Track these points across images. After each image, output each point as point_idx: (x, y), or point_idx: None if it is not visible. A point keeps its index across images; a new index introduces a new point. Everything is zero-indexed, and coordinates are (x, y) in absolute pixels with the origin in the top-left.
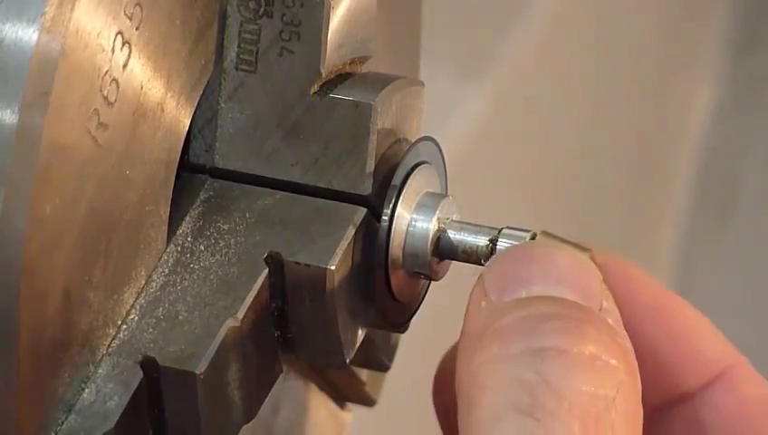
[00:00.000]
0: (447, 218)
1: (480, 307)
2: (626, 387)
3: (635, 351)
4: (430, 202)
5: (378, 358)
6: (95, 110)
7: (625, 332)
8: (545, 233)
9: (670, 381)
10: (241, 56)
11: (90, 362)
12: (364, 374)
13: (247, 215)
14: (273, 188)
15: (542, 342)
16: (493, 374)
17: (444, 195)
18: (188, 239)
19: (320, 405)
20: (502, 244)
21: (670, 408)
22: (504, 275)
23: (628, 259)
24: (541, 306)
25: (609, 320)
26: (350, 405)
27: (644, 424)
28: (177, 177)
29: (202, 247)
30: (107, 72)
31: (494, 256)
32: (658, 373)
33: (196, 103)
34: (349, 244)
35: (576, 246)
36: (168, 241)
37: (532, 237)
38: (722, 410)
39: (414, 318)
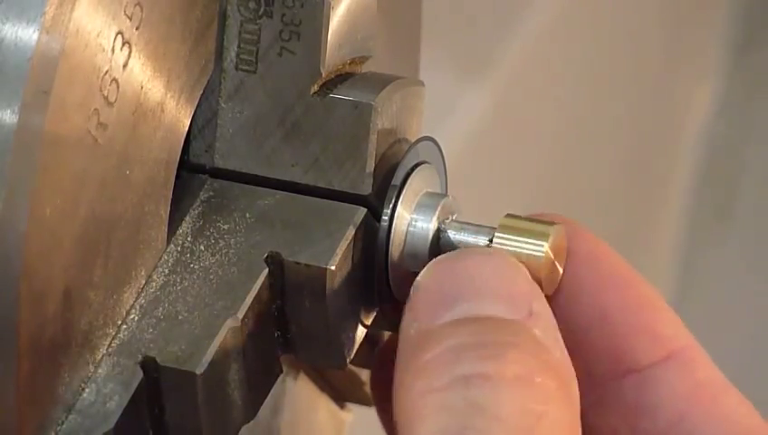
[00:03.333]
0: (447, 218)
1: (410, 333)
2: (557, 400)
3: (586, 319)
4: (430, 202)
5: None
6: (95, 110)
7: (557, 335)
8: (509, 215)
9: (621, 352)
10: (241, 56)
11: (90, 362)
12: (364, 374)
13: (247, 215)
14: (273, 188)
15: (467, 370)
16: (424, 407)
17: (444, 195)
18: (188, 239)
19: (320, 405)
20: (498, 243)
21: (618, 380)
22: (430, 295)
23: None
24: (464, 335)
25: (537, 330)
26: (350, 405)
27: (592, 395)
28: (177, 177)
29: (202, 247)
30: (107, 72)
31: (421, 272)
32: (610, 343)
33: (196, 103)
34: (349, 244)
35: (540, 221)
36: (168, 241)
37: (490, 241)
38: (675, 389)
39: None
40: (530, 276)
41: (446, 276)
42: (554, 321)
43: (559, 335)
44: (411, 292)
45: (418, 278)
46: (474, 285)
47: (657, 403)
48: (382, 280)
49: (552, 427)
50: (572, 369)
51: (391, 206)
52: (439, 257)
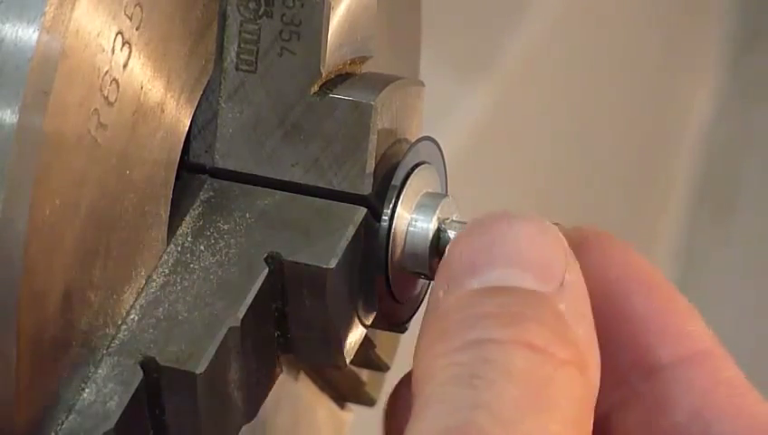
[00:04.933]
0: (447, 218)
1: (438, 295)
2: (570, 369)
3: (613, 318)
4: (430, 202)
5: (378, 358)
6: (95, 110)
7: (585, 310)
8: None
9: (645, 350)
10: (241, 56)
11: (90, 362)
12: (364, 374)
13: (247, 215)
14: (273, 188)
15: (481, 335)
16: (437, 366)
17: (444, 195)
18: (188, 239)
19: (320, 405)
20: None
21: (640, 378)
22: (462, 259)
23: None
24: (488, 305)
25: (562, 304)
26: (350, 405)
27: (615, 394)
28: (177, 177)
29: (202, 247)
30: (107, 72)
31: (457, 235)
32: (635, 341)
33: (196, 103)
34: (349, 244)
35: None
36: (168, 241)
37: None
38: (694, 386)
39: (414, 318)
40: (566, 245)
41: (480, 240)
42: (585, 294)
43: (588, 310)
44: (447, 249)
45: (455, 237)
46: (506, 251)
47: (676, 400)
48: (382, 280)
49: (563, 391)
50: (595, 347)
51: (391, 206)
52: (479, 217)
